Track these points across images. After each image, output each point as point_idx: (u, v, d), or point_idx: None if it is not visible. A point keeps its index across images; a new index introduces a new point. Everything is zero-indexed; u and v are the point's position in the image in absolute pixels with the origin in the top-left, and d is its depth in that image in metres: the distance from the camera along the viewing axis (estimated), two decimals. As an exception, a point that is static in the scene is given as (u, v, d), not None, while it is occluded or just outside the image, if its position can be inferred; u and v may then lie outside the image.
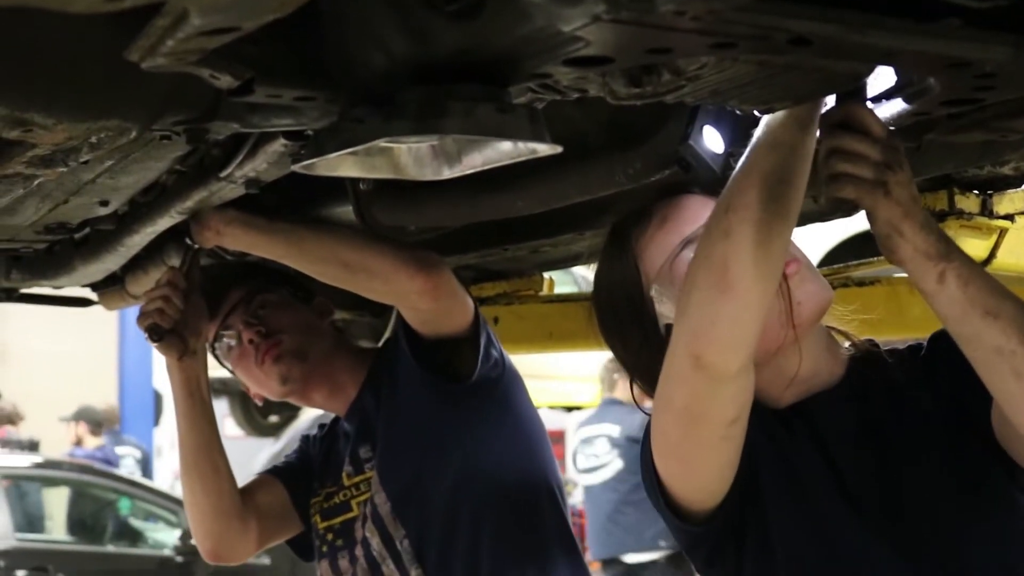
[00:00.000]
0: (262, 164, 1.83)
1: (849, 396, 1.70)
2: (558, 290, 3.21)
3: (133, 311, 2.63)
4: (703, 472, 1.65)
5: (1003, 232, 2.27)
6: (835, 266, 2.61)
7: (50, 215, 2.15)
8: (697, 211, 1.68)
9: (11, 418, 11.47)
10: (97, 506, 9.36)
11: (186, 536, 8.33)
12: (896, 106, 1.44)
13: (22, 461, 9.46)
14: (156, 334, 2.40)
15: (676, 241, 1.68)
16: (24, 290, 2.91)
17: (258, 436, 11.26)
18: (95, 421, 11.27)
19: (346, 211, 2.25)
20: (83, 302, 3.10)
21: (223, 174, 1.90)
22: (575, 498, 9.00)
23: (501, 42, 1.21)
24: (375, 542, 2.45)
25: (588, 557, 7.37)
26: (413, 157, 1.41)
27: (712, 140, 1.76)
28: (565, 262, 2.89)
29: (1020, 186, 2.26)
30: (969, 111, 1.47)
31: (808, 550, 1.65)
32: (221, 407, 9.83)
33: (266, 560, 8.61)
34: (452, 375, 2.43)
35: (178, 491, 8.19)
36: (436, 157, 1.41)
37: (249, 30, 1.12)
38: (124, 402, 14.78)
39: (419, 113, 1.24)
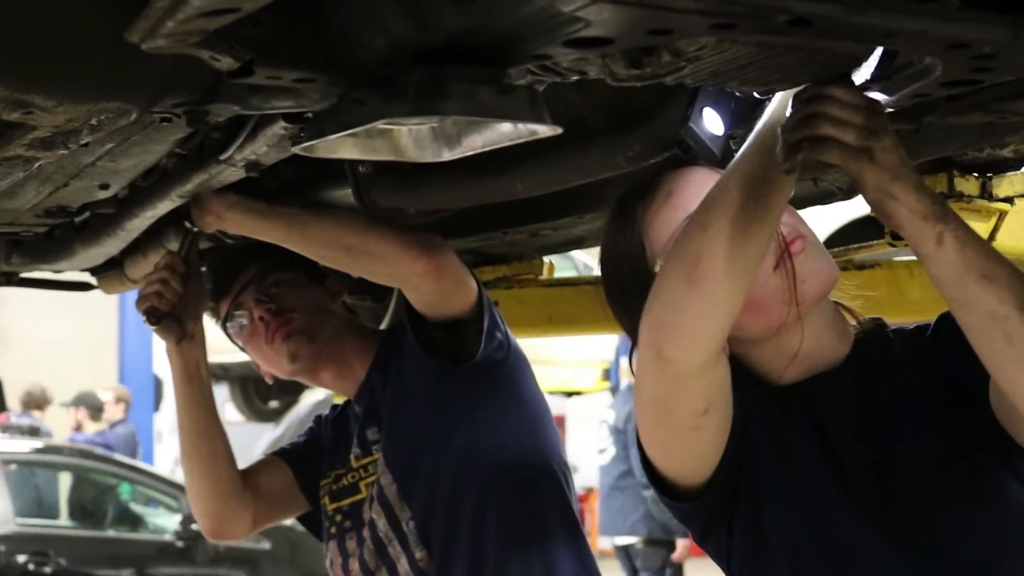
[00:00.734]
0: (262, 147, 1.83)
1: (851, 376, 1.69)
2: (558, 274, 3.21)
3: (133, 296, 2.63)
4: (682, 456, 1.65)
5: (1003, 215, 2.27)
6: (836, 249, 2.61)
7: (50, 198, 2.15)
8: (703, 185, 1.64)
9: (39, 403, 11.48)
10: (98, 491, 9.36)
11: (187, 521, 8.33)
12: (894, 87, 1.44)
13: (23, 446, 9.46)
14: (154, 317, 2.41)
15: (682, 216, 1.66)
16: (24, 274, 2.91)
17: (258, 421, 11.29)
18: (95, 406, 11.27)
19: (345, 194, 2.25)
20: (83, 286, 3.10)
21: (223, 157, 1.90)
22: (576, 482, 9.13)
23: (501, 23, 1.21)
24: (382, 524, 2.46)
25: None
26: (413, 139, 1.41)
27: (712, 122, 1.76)
28: (565, 246, 2.89)
29: (1020, 168, 2.26)
30: (968, 93, 1.46)
31: (799, 529, 1.64)
32: (221, 393, 9.86)
33: (266, 545, 8.62)
34: (456, 357, 2.43)
35: (178, 476, 8.20)
36: (436, 139, 1.41)
37: (249, 11, 1.12)
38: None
39: (419, 94, 1.24)
